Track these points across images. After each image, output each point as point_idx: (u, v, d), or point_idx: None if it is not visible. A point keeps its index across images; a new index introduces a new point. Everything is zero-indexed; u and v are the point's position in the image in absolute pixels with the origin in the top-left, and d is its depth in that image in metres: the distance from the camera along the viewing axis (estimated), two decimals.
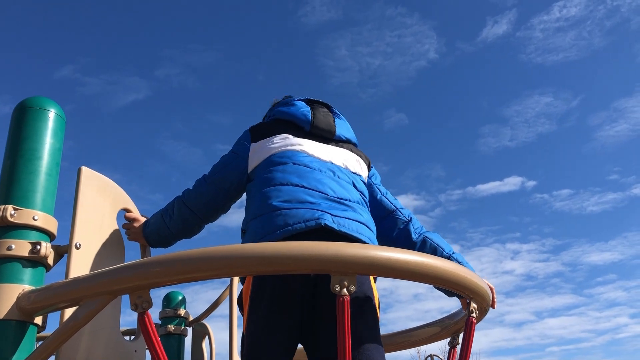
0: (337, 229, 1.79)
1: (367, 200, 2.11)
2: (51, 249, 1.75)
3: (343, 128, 2.25)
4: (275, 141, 2.07)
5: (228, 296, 2.49)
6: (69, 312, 1.66)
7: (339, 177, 2.01)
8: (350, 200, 1.96)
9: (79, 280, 1.56)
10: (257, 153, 2.07)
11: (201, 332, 3.33)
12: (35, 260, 1.71)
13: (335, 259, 1.38)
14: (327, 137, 2.17)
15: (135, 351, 1.88)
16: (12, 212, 1.69)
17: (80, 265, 1.73)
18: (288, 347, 1.76)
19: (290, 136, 2.09)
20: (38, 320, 1.69)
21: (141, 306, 1.45)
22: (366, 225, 1.93)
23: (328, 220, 1.80)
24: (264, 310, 1.76)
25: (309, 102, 2.27)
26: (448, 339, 2.13)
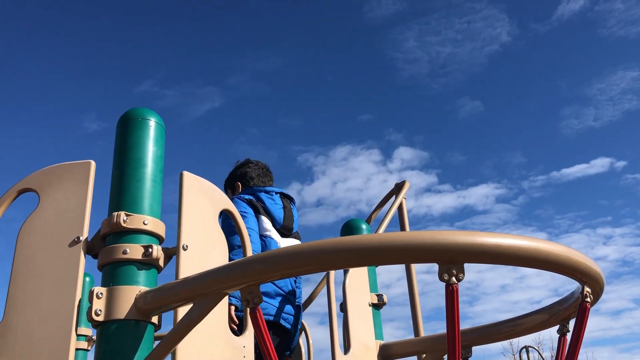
0: (285, 325, 3.02)
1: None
2: (161, 252, 1.84)
3: (296, 222, 3.34)
4: (263, 219, 3.15)
5: (326, 290, 2.52)
6: (182, 311, 1.73)
7: None
8: (293, 295, 3.15)
9: (190, 280, 1.63)
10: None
11: None
12: (148, 263, 1.80)
13: (442, 248, 1.36)
14: (287, 233, 3.23)
15: (244, 347, 1.93)
16: (125, 218, 1.79)
17: (189, 265, 1.80)
18: None
19: (269, 222, 3.17)
20: (154, 319, 1.78)
21: (252, 301, 1.49)
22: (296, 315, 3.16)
23: (280, 320, 3.02)
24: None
25: (282, 196, 3.29)
26: (556, 327, 2.05)
